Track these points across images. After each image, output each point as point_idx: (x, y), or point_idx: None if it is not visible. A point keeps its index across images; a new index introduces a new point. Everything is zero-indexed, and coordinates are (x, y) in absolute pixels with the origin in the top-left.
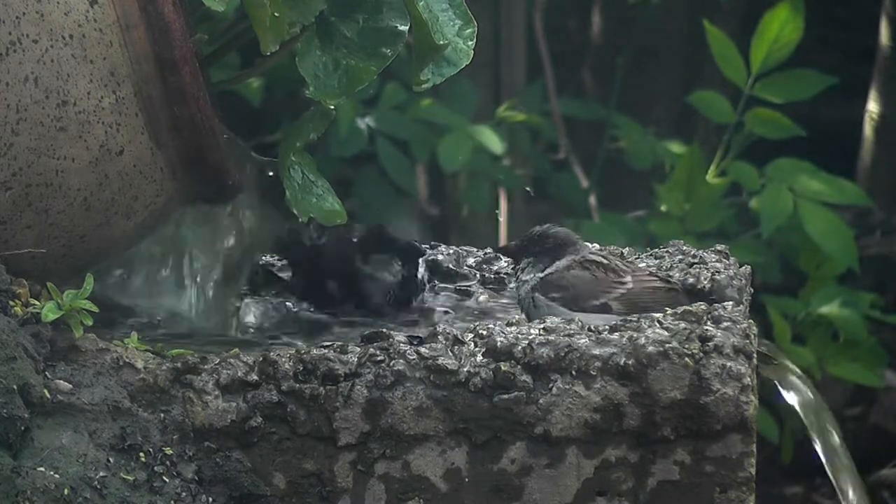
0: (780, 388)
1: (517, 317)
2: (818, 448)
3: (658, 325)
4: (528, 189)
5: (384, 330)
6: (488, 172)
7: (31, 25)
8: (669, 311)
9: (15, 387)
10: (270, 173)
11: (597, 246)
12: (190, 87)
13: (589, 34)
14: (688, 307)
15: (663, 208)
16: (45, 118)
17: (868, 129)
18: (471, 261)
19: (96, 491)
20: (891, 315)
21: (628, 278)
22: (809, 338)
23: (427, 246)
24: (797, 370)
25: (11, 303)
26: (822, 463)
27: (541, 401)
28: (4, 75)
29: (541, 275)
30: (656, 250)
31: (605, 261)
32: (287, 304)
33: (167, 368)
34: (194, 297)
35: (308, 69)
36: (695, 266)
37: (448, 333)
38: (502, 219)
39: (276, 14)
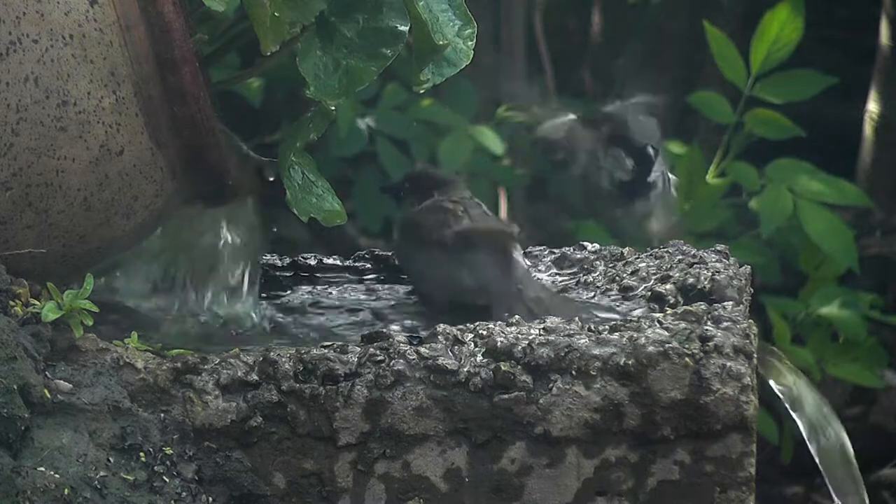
0: (779, 395)
1: (517, 316)
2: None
3: (658, 325)
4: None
5: (384, 330)
6: (488, 172)
7: (31, 25)
8: (670, 311)
9: (15, 387)
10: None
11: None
12: (190, 87)
13: (589, 34)
14: (688, 307)
15: None
16: (45, 118)
17: (868, 129)
18: None
19: (96, 491)
20: (891, 315)
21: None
22: (809, 338)
23: None
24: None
25: (11, 303)
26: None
27: (541, 401)
28: (4, 75)
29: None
30: (656, 250)
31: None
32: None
33: (167, 368)
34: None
35: (308, 69)
36: (695, 266)
37: (448, 333)
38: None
39: (276, 14)
